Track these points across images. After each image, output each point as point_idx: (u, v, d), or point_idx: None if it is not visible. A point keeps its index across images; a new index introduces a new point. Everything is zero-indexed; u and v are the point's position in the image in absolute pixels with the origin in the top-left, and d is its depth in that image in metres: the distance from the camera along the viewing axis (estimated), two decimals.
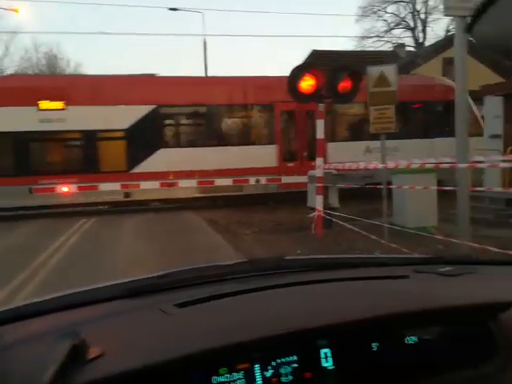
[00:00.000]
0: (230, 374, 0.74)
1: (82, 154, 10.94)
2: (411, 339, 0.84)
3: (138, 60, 50.22)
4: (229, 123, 12.23)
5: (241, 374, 0.75)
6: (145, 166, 10.96)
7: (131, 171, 10.94)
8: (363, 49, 26.97)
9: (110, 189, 10.79)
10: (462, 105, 4.89)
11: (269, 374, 0.76)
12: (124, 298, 0.98)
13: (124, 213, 11.30)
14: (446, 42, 16.83)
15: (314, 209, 7.47)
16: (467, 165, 4.67)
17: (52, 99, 10.36)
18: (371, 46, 28.01)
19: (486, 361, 0.83)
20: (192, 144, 11.65)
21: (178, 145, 11.63)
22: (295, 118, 11.88)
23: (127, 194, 11.02)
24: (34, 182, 10.35)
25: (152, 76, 12.12)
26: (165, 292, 1.01)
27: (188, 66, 52.07)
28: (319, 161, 7.34)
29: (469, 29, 0.36)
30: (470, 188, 5.12)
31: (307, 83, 6.42)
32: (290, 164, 11.71)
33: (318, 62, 15.04)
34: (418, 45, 27.08)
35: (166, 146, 11.37)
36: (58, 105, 10.38)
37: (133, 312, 0.91)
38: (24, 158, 10.50)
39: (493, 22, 0.31)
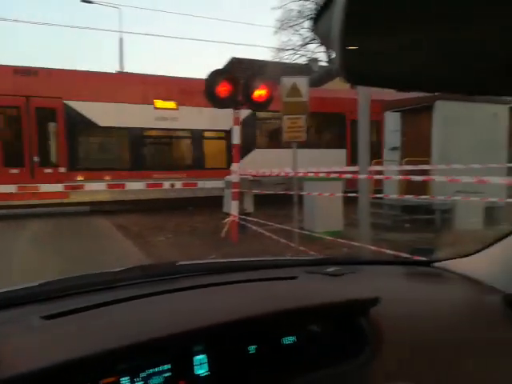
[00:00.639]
0: None
1: (190, 151, 11.79)
2: (289, 339, 0.86)
3: (46, 51, 46.38)
4: (310, 128, 13.29)
5: None
6: (242, 164, 11.91)
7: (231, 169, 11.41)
8: (280, 60, 28.00)
9: (211, 186, 11.08)
10: (364, 118, 5.31)
11: None
12: None
13: (27, 218, 10.29)
14: None
15: (229, 214, 7.53)
16: (366, 175, 5.07)
17: (166, 99, 11.13)
18: (288, 58, 29.21)
19: (356, 354, 0.87)
20: (281, 145, 12.71)
21: (269, 146, 12.63)
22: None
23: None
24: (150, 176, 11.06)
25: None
26: (40, 303, 0.92)
27: (103, 63, 49.47)
28: (235, 166, 7.43)
29: (312, 26, 0.38)
30: (371, 195, 5.58)
31: (224, 88, 6.48)
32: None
33: (236, 68, 15.43)
34: (331, 60, 28.88)
35: (260, 146, 12.26)
36: (172, 104, 11.04)
37: None
38: (141, 153, 11.28)
39: (328, 20, 0.34)
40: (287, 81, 6.57)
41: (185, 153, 12.03)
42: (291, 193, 6.74)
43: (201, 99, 10.98)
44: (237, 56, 19.94)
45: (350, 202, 7.14)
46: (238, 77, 6.76)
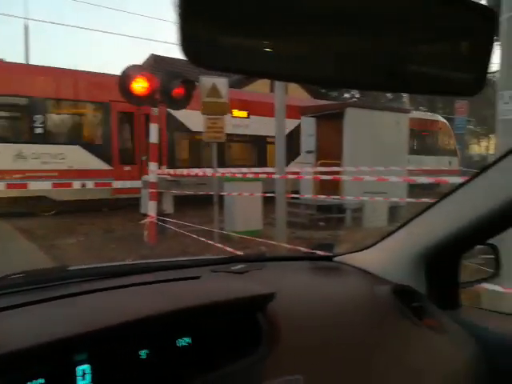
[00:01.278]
0: None
1: (255, 153, 14.13)
2: (184, 340, 0.82)
3: None
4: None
5: None
6: (292, 166, 13.54)
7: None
8: None
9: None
10: (280, 123, 5.50)
11: None
12: None
13: None
14: None
15: (147, 215, 7.28)
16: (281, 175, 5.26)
17: (240, 109, 13.18)
18: None
19: (252, 352, 0.86)
20: None
21: None
22: None
23: None
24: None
25: (296, 98, 14.70)
26: None
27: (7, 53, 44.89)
28: (153, 166, 7.21)
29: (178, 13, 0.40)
30: (287, 195, 5.79)
31: (140, 85, 6.25)
32: None
33: (156, 66, 15.05)
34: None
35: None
36: (244, 114, 13.43)
37: None
38: (223, 154, 12.33)
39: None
40: (206, 81, 6.54)
41: (252, 154, 14.63)
42: (211, 193, 6.73)
43: (267, 110, 12.00)
44: (157, 53, 19.29)
45: (272, 202, 7.32)
46: (155, 74, 6.57)
